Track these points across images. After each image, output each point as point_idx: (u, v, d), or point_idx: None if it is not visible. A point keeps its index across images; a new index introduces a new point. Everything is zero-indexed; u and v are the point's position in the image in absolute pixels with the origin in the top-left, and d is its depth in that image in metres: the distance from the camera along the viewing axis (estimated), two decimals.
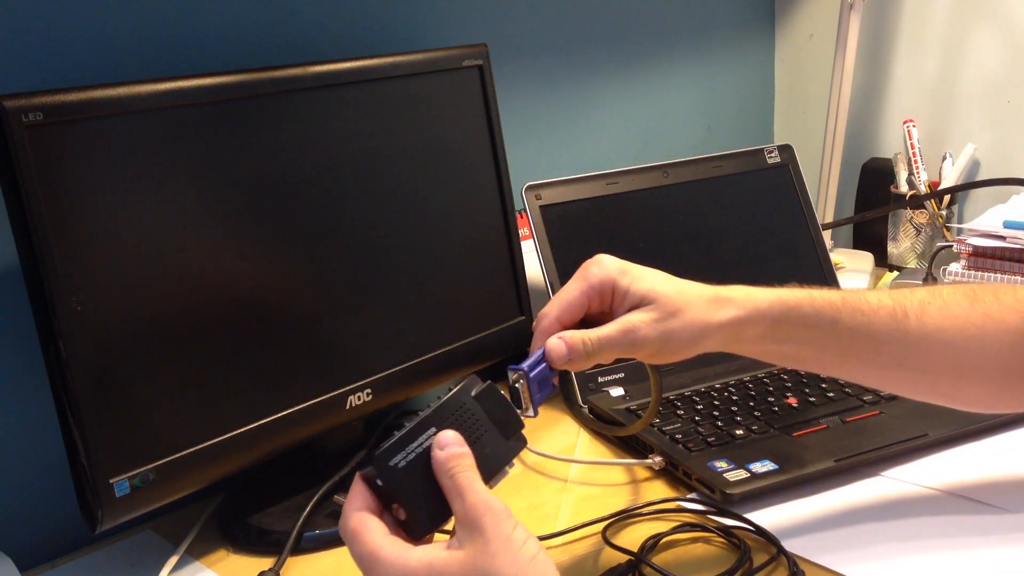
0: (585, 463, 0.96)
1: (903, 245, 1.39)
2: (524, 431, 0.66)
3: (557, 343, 0.69)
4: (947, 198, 1.35)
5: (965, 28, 1.38)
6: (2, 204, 0.71)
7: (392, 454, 0.60)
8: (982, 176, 1.39)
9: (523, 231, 1.08)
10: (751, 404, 0.99)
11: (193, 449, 0.78)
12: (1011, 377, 0.76)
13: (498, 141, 1.02)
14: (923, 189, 1.37)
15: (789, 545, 0.77)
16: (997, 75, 1.36)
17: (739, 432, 0.93)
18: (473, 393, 0.64)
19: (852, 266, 1.38)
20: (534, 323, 0.73)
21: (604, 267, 0.72)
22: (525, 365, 0.68)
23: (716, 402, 1.00)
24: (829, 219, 1.45)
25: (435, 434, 0.61)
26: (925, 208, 1.36)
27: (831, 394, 1.00)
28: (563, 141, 1.32)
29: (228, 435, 0.80)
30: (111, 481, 0.73)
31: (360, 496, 0.60)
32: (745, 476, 0.86)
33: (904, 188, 1.39)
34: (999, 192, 1.32)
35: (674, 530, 0.81)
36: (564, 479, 0.93)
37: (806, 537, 0.79)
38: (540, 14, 1.26)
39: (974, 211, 1.36)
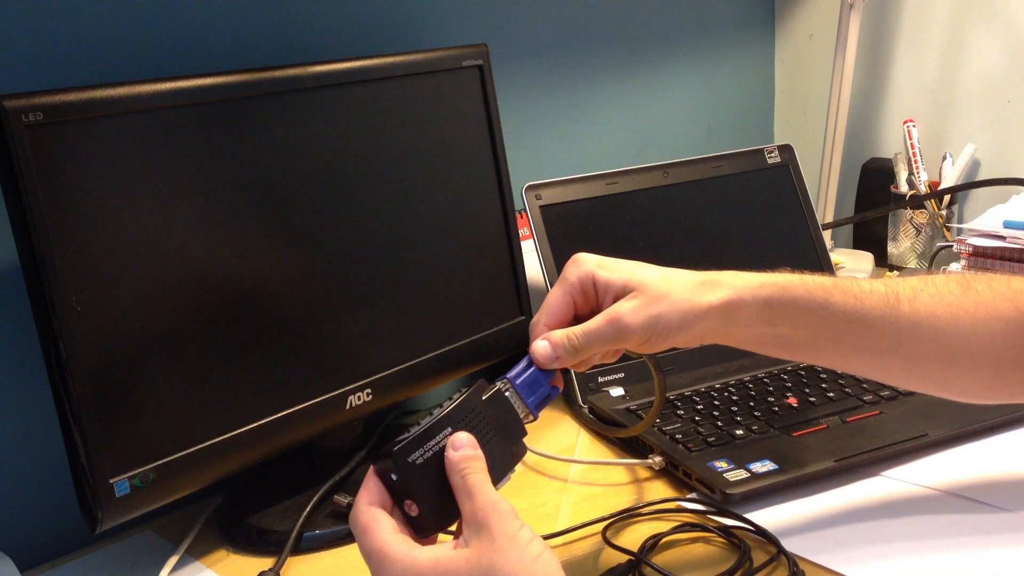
0: (585, 463, 0.96)
1: (903, 245, 1.39)
2: (525, 438, 0.67)
3: (541, 343, 0.69)
4: (947, 198, 1.35)
5: (965, 28, 1.38)
6: (2, 204, 0.71)
7: (411, 450, 0.61)
8: (982, 176, 1.39)
9: (523, 231, 1.08)
10: (751, 404, 0.99)
11: (193, 449, 0.78)
12: (1003, 367, 0.76)
13: (498, 141, 1.02)
14: (923, 189, 1.37)
15: (789, 545, 0.77)
16: (997, 75, 1.36)
17: (739, 432, 0.93)
18: (484, 397, 0.65)
19: (852, 266, 1.38)
20: (530, 334, 0.73)
21: (581, 265, 0.72)
22: (511, 374, 0.69)
23: (716, 402, 1.00)
24: (829, 219, 1.45)
25: (451, 434, 0.62)
26: (925, 208, 1.36)
27: (831, 394, 1.00)
28: (563, 141, 1.32)
29: (228, 435, 0.80)
30: (111, 481, 0.73)
31: (373, 490, 0.61)
32: (745, 476, 0.86)
33: (904, 188, 1.39)
34: (999, 192, 1.32)
35: (674, 530, 0.81)
36: (564, 479, 0.93)
37: (806, 537, 0.79)
38: (540, 14, 1.26)
39: (974, 211, 1.36)
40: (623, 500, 0.88)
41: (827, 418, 0.96)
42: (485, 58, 1.01)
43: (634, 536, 0.82)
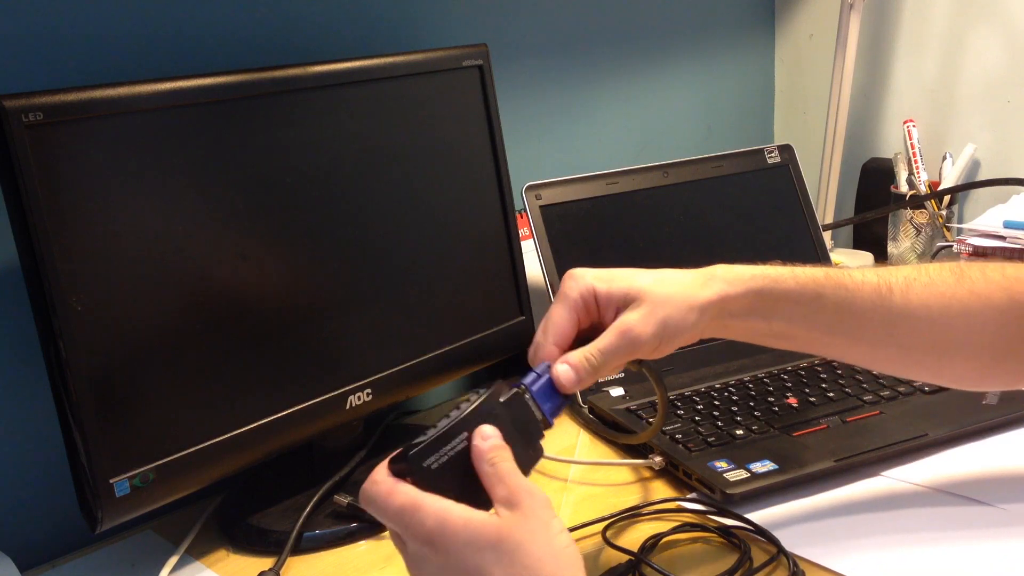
0: (585, 464, 0.96)
1: (903, 245, 1.39)
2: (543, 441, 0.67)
3: (564, 369, 0.69)
4: (947, 198, 1.35)
5: (965, 28, 1.38)
6: (2, 204, 0.71)
7: (427, 455, 0.61)
8: (982, 176, 1.39)
9: (523, 231, 1.08)
10: (751, 404, 0.99)
11: (193, 449, 0.78)
12: (997, 354, 0.76)
13: (498, 141, 1.02)
14: (923, 189, 1.37)
15: (789, 545, 0.77)
16: (997, 75, 1.36)
17: (739, 432, 0.93)
18: (502, 399, 0.65)
19: (852, 266, 1.38)
20: (529, 356, 0.72)
21: (579, 279, 0.73)
22: (526, 381, 0.69)
23: (716, 402, 1.00)
24: (829, 219, 1.45)
25: (467, 438, 0.62)
26: (925, 208, 1.36)
27: (831, 394, 1.00)
28: (563, 141, 1.32)
29: (228, 435, 0.80)
30: (111, 481, 0.73)
31: (386, 467, 0.61)
32: (745, 476, 0.86)
33: (904, 188, 1.39)
34: (999, 192, 1.32)
35: (674, 530, 0.81)
36: (564, 479, 0.93)
37: (806, 537, 0.79)
38: (540, 14, 1.26)
39: (974, 211, 1.36)
40: (623, 500, 0.88)
41: (827, 418, 0.96)
42: (485, 58, 1.01)
43: (634, 536, 0.82)
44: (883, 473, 0.88)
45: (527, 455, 0.65)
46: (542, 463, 0.95)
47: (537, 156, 1.27)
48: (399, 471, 0.61)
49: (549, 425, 0.68)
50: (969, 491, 0.84)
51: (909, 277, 0.76)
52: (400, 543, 0.61)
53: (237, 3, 0.96)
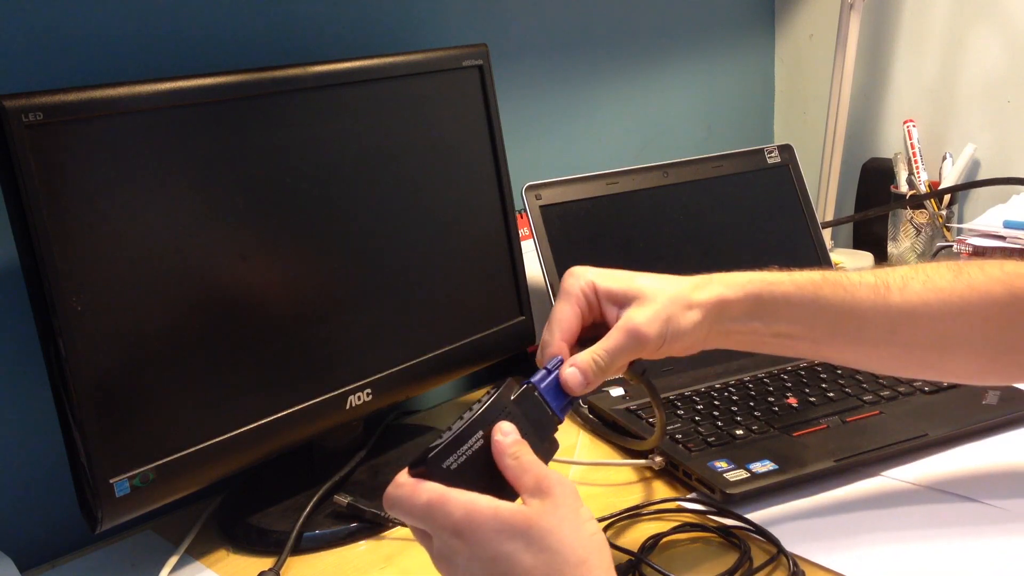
0: (585, 464, 0.96)
1: (903, 245, 1.39)
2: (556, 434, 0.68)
3: (572, 372, 0.69)
4: (947, 198, 1.35)
5: (965, 28, 1.38)
6: (2, 204, 0.71)
7: (445, 456, 0.61)
8: (982, 176, 1.39)
9: (523, 231, 1.08)
10: (751, 404, 0.99)
11: (193, 449, 0.78)
12: (998, 349, 0.76)
13: (498, 141, 1.02)
14: (923, 189, 1.37)
15: (789, 545, 0.77)
16: (997, 75, 1.36)
17: (739, 432, 0.93)
18: (513, 396, 0.65)
19: (852, 266, 1.38)
20: (537, 356, 0.73)
21: (580, 276, 0.73)
22: (535, 379, 0.69)
23: (716, 402, 1.00)
24: (829, 219, 1.45)
25: (483, 436, 0.62)
26: (925, 208, 1.36)
27: (831, 394, 1.00)
28: (563, 141, 1.32)
29: (228, 435, 0.80)
30: (111, 481, 0.73)
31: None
32: (745, 476, 0.86)
33: (904, 188, 1.39)
34: (999, 192, 1.32)
35: (674, 530, 0.81)
36: None
37: (806, 537, 0.79)
38: (540, 14, 1.26)
39: (974, 211, 1.36)
40: (623, 500, 0.88)
41: (827, 418, 0.96)
42: (485, 58, 1.01)
43: (634, 536, 0.82)
44: (883, 473, 0.88)
45: (544, 448, 0.65)
46: None
47: (537, 156, 1.27)
48: (419, 475, 0.61)
49: (560, 420, 0.69)
50: (968, 491, 0.84)
51: (907, 276, 0.76)
52: (426, 540, 0.61)
53: (237, 3, 0.96)
